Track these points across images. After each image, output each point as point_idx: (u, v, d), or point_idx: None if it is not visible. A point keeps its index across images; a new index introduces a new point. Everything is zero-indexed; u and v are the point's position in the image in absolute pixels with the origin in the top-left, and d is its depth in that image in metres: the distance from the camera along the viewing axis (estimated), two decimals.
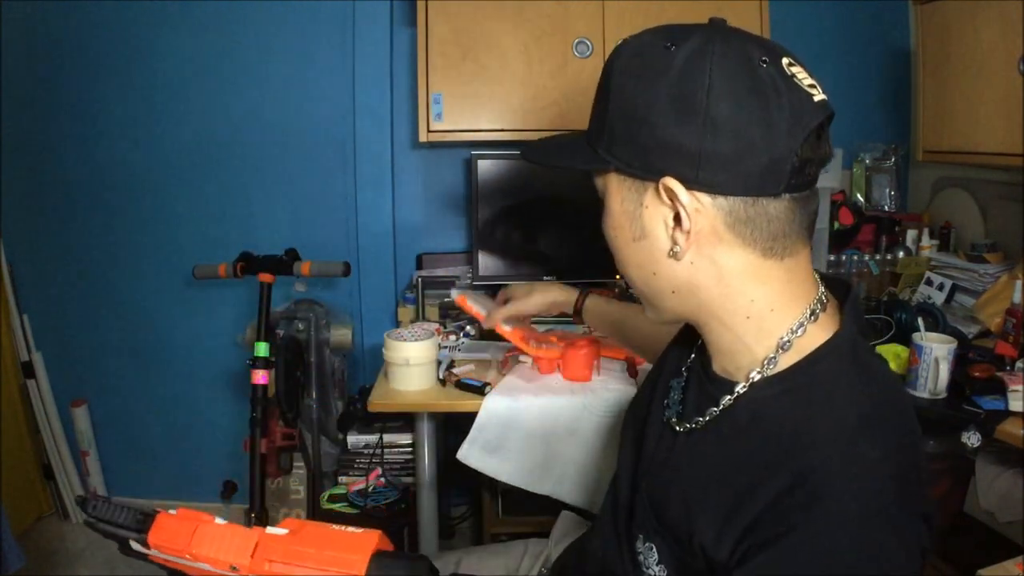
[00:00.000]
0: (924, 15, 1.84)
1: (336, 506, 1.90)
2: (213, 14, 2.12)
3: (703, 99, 0.56)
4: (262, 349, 1.66)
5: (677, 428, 0.71)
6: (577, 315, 1.26)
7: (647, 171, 0.60)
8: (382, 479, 1.91)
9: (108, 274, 2.28)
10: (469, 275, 2.05)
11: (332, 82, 2.16)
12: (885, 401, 0.62)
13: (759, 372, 0.64)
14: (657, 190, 0.60)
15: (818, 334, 0.63)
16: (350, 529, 0.64)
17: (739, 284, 0.62)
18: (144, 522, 0.66)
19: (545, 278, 1.99)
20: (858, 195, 2.21)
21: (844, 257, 2.08)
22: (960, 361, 1.44)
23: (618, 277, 1.99)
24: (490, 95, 1.85)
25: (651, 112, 0.58)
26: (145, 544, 0.65)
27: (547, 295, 1.29)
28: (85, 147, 2.20)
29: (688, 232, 0.60)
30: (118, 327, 2.31)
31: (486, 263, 2.01)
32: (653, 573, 0.67)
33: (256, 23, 2.13)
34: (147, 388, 2.35)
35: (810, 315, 0.64)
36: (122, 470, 2.39)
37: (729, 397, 0.65)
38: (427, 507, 1.69)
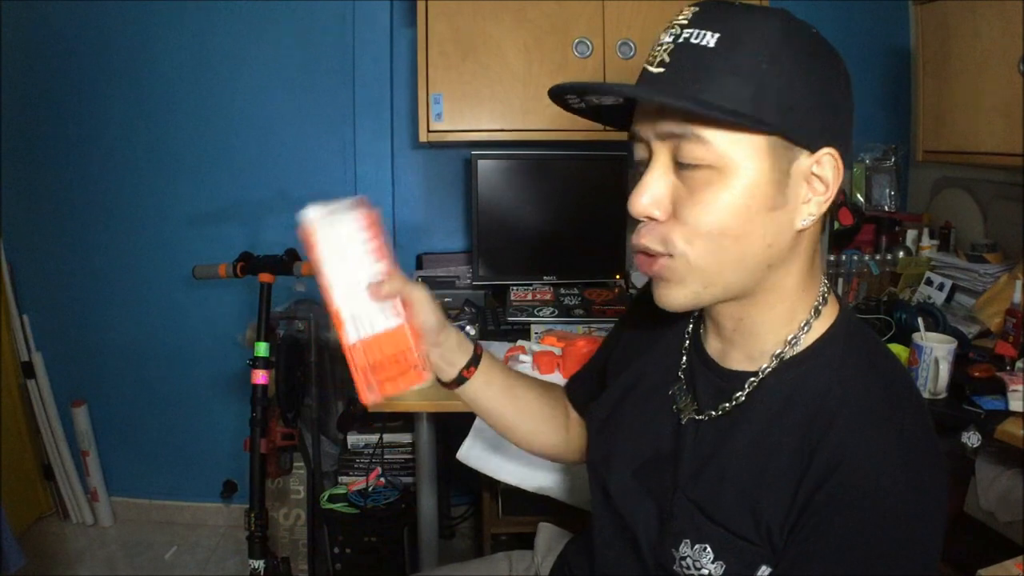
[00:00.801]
0: (924, 15, 1.84)
1: (336, 506, 1.90)
2: (213, 14, 2.12)
3: (843, 73, 0.63)
4: (262, 349, 1.66)
5: (697, 417, 0.72)
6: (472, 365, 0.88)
7: (809, 140, 0.61)
8: (382, 479, 1.91)
9: (108, 274, 2.28)
10: (469, 275, 2.05)
11: (332, 82, 2.16)
12: (897, 367, 0.68)
13: (782, 352, 0.68)
14: (809, 159, 0.62)
15: (828, 315, 0.69)
16: None
17: (813, 261, 0.68)
18: None
19: (545, 278, 1.99)
20: (858, 195, 2.20)
21: (844, 257, 2.08)
22: (960, 361, 1.44)
23: (618, 276, 1.99)
24: (490, 95, 1.85)
25: (826, 85, 0.62)
26: None
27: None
28: (85, 147, 2.20)
29: (827, 200, 0.63)
30: (118, 327, 2.31)
31: (486, 263, 2.01)
32: (708, 572, 0.67)
33: (256, 23, 2.13)
34: (147, 388, 2.35)
35: (823, 297, 0.69)
36: (122, 470, 2.39)
37: (753, 379, 0.69)
38: (427, 507, 1.69)
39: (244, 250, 1.75)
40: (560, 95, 0.68)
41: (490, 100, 1.85)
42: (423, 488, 1.68)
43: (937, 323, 1.57)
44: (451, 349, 0.85)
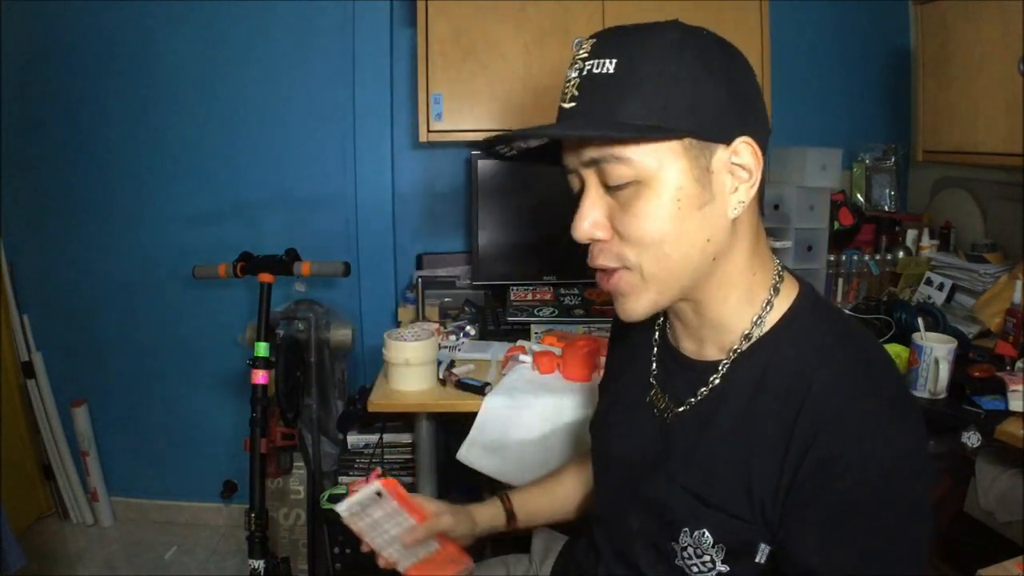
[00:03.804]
0: (924, 15, 1.84)
1: (336, 506, 1.90)
2: (213, 14, 2.12)
3: (744, 65, 0.67)
4: (262, 349, 1.66)
5: (678, 411, 0.75)
6: (511, 519, 1.02)
7: (721, 134, 0.64)
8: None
9: (108, 274, 2.28)
10: (469, 275, 2.05)
11: (332, 82, 2.16)
12: (863, 334, 0.71)
13: (749, 333, 0.70)
14: (726, 151, 0.65)
15: (788, 293, 0.72)
16: None
17: (758, 243, 0.71)
18: None
19: (545, 278, 1.99)
20: (858, 195, 2.21)
21: (844, 257, 2.08)
22: (960, 361, 1.44)
23: None
24: (490, 95, 1.85)
25: (728, 80, 0.64)
26: None
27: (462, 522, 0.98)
28: (85, 147, 2.20)
29: (752, 186, 0.66)
30: (118, 327, 2.31)
31: (486, 263, 2.01)
32: (709, 557, 0.69)
33: (256, 23, 2.13)
34: (147, 388, 2.35)
35: (779, 275, 0.72)
36: (122, 470, 2.39)
37: (726, 361, 0.71)
38: None
39: (244, 250, 1.75)
40: (490, 149, 0.73)
41: (490, 100, 1.85)
42: (423, 488, 1.68)
43: (937, 323, 1.58)
44: (488, 528, 1.00)
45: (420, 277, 2.05)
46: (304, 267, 1.69)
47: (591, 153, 0.65)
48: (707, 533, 0.68)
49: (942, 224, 2.08)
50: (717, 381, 0.72)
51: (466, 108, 1.85)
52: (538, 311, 1.85)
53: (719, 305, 0.71)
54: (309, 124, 2.20)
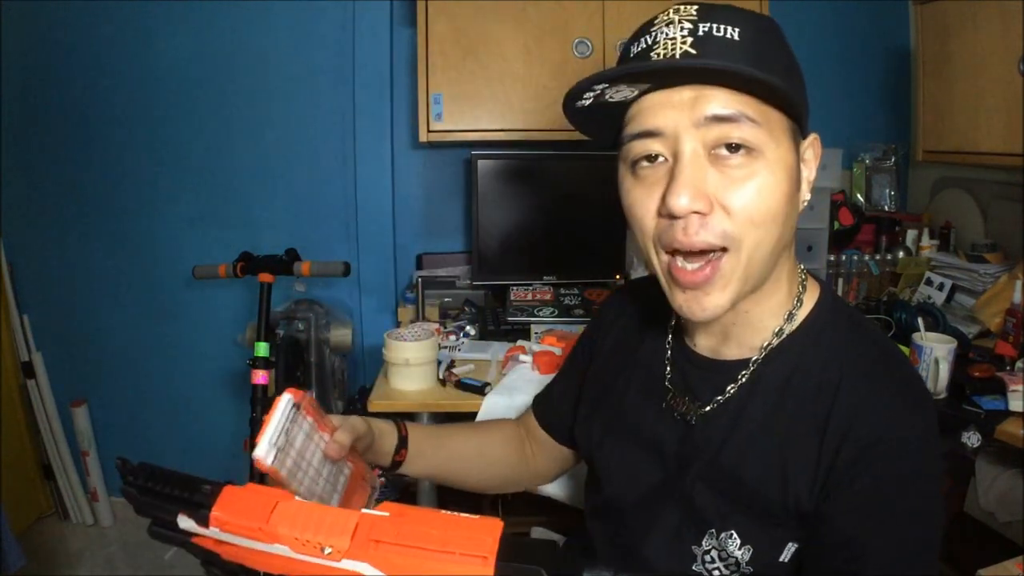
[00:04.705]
0: (924, 15, 1.84)
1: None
2: (213, 15, 2.12)
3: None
4: (262, 349, 1.66)
5: (705, 411, 0.73)
6: (402, 446, 0.89)
7: (806, 124, 0.67)
8: (382, 479, 1.91)
9: (108, 274, 2.28)
10: (469, 275, 2.05)
11: (332, 82, 2.16)
12: (875, 328, 0.74)
13: (780, 331, 0.70)
14: (805, 143, 0.67)
15: (812, 291, 0.73)
16: (470, 516, 0.53)
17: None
18: (209, 494, 0.55)
19: (545, 278, 1.99)
20: (858, 195, 2.21)
21: (844, 257, 2.08)
22: (960, 361, 1.44)
23: (618, 276, 1.99)
24: (490, 95, 1.85)
25: (803, 78, 0.67)
26: (204, 521, 0.55)
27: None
28: (85, 147, 2.20)
29: (812, 181, 0.68)
30: (118, 327, 2.31)
31: (486, 263, 2.01)
32: (734, 560, 0.68)
33: (256, 23, 2.13)
34: (147, 388, 2.35)
35: (803, 271, 0.73)
36: None
37: (756, 358, 0.71)
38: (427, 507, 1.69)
39: (244, 250, 1.75)
40: (571, 100, 0.66)
41: (490, 100, 1.85)
42: (423, 489, 1.68)
43: (937, 323, 1.58)
44: (379, 450, 0.85)
45: (420, 277, 2.05)
46: (304, 267, 1.69)
47: (719, 108, 0.59)
48: (735, 534, 0.68)
49: (942, 224, 2.08)
50: (746, 378, 0.71)
51: (466, 108, 1.85)
52: (538, 311, 1.85)
53: (761, 305, 0.70)
54: (309, 124, 2.20)
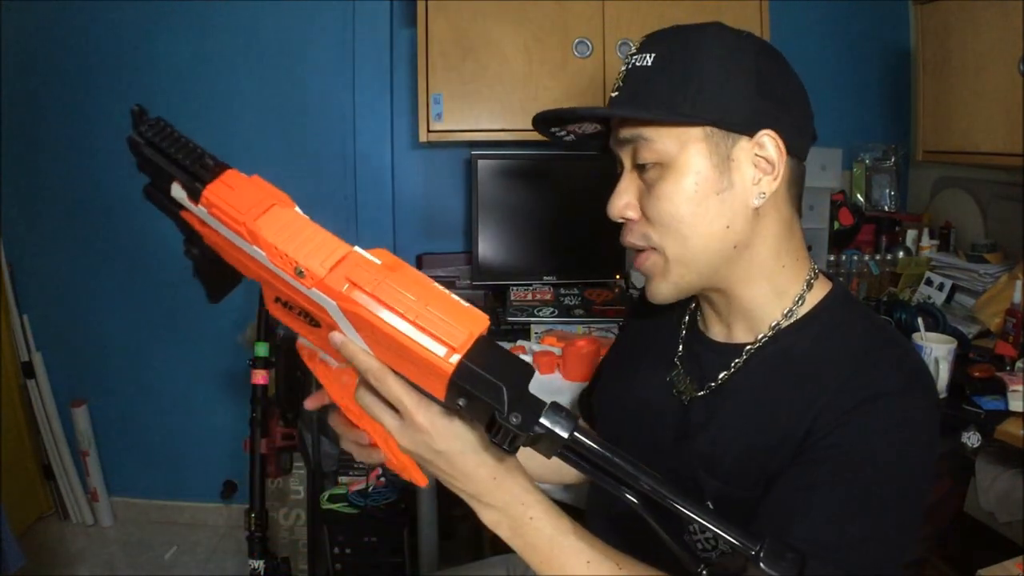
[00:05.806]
0: (924, 15, 1.84)
1: (336, 506, 1.90)
2: (213, 15, 2.12)
3: (784, 70, 0.71)
4: (262, 349, 1.66)
5: (699, 394, 0.77)
6: None
7: (744, 126, 0.68)
8: (382, 479, 1.91)
9: (108, 274, 2.28)
10: (469, 275, 2.05)
11: (332, 82, 2.16)
12: (891, 327, 0.75)
13: (779, 322, 0.73)
14: (750, 143, 0.69)
15: (820, 290, 0.75)
16: (459, 300, 0.49)
17: (786, 237, 0.73)
18: (209, 170, 0.52)
19: (545, 278, 1.99)
20: (858, 195, 2.21)
21: (844, 257, 2.08)
22: (960, 361, 1.44)
23: (618, 276, 1.99)
24: (490, 95, 1.85)
25: (758, 77, 0.69)
26: (195, 196, 0.51)
27: None
28: (85, 147, 2.20)
29: (775, 179, 0.69)
30: (118, 327, 2.31)
31: (486, 263, 2.01)
32: (712, 533, 0.69)
33: (256, 23, 2.13)
34: (147, 388, 2.35)
35: (813, 273, 0.75)
36: (122, 470, 2.38)
37: (750, 347, 0.74)
38: (427, 507, 1.69)
39: None
40: (548, 133, 0.78)
41: (490, 100, 1.85)
42: (423, 488, 1.68)
43: (937, 323, 1.58)
44: None
45: None
46: None
47: (624, 133, 0.71)
48: (710, 506, 0.70)
49: (942, 224, 2.08)
50: (739, 363, 0.74)
51: (466, 108, 1.85)
52: (538, 311, 1.85)
53: (744, 293, 0.74)
54: (309, 124, 2.20)
